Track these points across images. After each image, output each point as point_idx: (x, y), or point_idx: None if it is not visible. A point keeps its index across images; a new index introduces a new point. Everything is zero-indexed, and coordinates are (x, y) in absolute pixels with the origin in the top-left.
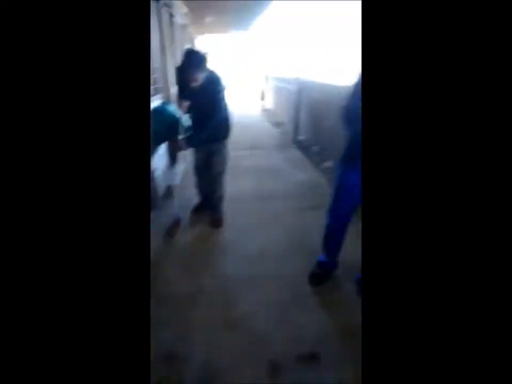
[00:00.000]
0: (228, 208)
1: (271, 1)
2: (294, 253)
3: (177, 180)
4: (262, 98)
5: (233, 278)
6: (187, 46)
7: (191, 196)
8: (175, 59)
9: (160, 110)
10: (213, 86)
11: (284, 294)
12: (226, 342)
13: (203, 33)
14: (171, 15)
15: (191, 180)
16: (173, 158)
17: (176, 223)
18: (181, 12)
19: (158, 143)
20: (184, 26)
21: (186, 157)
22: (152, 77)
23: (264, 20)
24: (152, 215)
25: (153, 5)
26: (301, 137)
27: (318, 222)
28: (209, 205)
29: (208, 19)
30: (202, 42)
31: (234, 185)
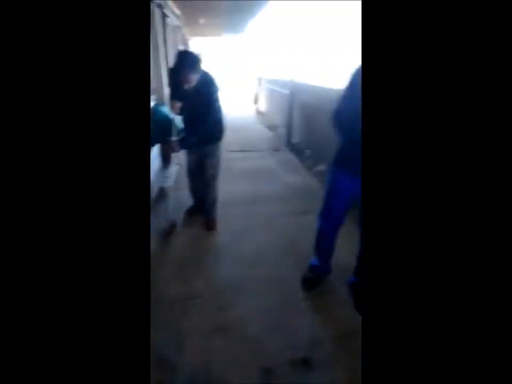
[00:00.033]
0: (221, 211)
1: (265, 3)
2: (287, 256)
3: (170, 181)
4: (256, 101)
5: (226, 282)
6: (180, 47)
7: (185, 198)
8: (167, 60)
9: (153, 111)
10: (207, 88)
11: (277, 298)
12: (218, 347)
13: (197, 35)
14: (163, 16)
15: (185, 182)
16: (165, 159)
17: (172, 226)
18: (174, 14)
19: (151, 144)
20: (177, 28)
21: (179, 158)
22: None
23: (257, 23)
24: None
25: None
26: (294, 140)
27: (310, 225)
28: (202, 208)
29: (201, 21)
30: (196, 44)
31: (228, 188)
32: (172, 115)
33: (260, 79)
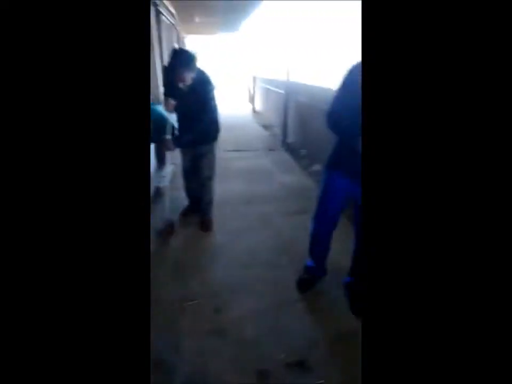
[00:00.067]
0: (217, 211)
1: (260, 2)
2: (282, 256)
3: (166, 181)
4: (251, 100)
5: (221, 283)
6: (175, 45)
7: (180, 198)
8: (162, 59)
9: None
10: (203, 87)
11: (272, 299)
12: (215, 349)
13: (192, 33)
14: (158, 14)
15: (180, 182)
16: (161, 159)
17: (170, 226)
18: (168, 12)
19: None
20: (172, 26)
21: (174, 158)
22: None
23: (252, 21)
24: None
25: None
26: (290, 140)
27: (306, 225)
28: (198, 208)
29: (196, 19)
30: (191, 43)
31: (223, 188)
32: (166, 114)
33: (255, 78)
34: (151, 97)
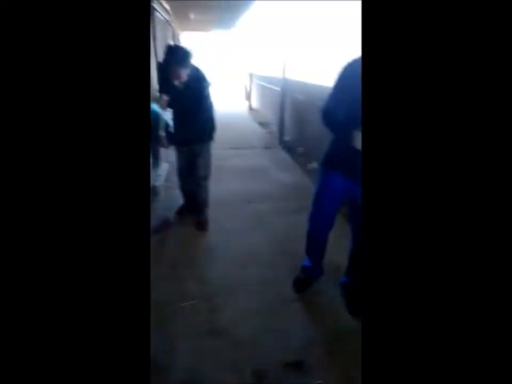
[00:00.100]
0: (213, 210)
1: (252, 2)
2: (279, 256)
3: (160, 180)
4: (247, 98)
5: (217, 283)
6: (170, 42)
7: (175, 197)
8: (156, 56)
9: None
10: (197, 83)
11: (269, 299)
12: (211, 350)
13: (187, 30)
14: (151, 10)
15: (175, 180)
16: (155, 157)
17: (166, 224)
18: (163, 8)
19: None
20: (166, 23)
21: (169, 156)
22: None
23: (248, 19)
24: None
25: None
26: (287, 138)
27: (303, 224)
28: (194, 207)
29: (191, 16)
30: (186, 39)
31: (219, 187)
32: (159, 111)
33: (251, 75)
34: None
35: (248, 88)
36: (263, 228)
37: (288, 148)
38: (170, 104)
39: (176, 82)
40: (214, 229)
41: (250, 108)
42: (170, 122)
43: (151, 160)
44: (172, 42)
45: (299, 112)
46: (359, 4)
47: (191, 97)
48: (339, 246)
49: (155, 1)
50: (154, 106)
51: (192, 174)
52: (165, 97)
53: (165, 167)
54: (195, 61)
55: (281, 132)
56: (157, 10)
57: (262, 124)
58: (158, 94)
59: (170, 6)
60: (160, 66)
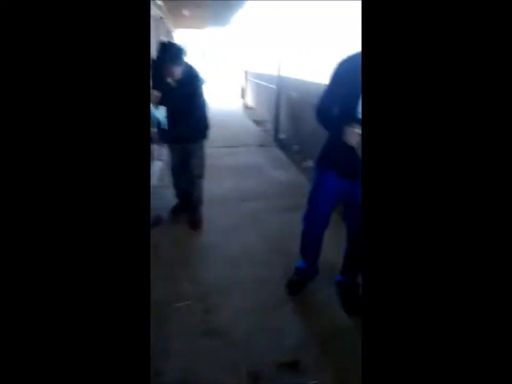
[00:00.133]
0: (207, 209)
1: (243, 2)
2: (274, 254)
3: (154, 179)
4: (242, 96)
5: (212, 283)
6: (163, 39)
7: (169, 195)
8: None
9: None
10: (191, 82)
11: (264, 299)
12: (205, 350)
13: (181, 27)
14: None
15: (168, 179)
16: None
17: (158, 220)
18: (155, 4)
19: None
20: (159, 19)
21: (162, 154)
22: None
23: (243, 16)
24: None
25: None
26: (282, 136)
27: (298, 222)
28: (188, 206)
29: (185, 12)
30: (180, 37)
31: (214, 185)
32: (152, 108)
33: (246, 73)
34: None
35: (244, 86)
36: (258, 226)
37: (283, 145)
38: (163, 102)
39: (169, 80)
40: (208, 227)
41: (245, 106)
42: (164, 120)
43: None
44: (165, 39)
45: (294, 109)
46: (352, 3)
47: (184, 95)
48: (334, 244)
49: None
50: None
51: (186, 173)
52: (156, 93)
53: (158, 165)
54: (189, 58)
55: (276, 130)
56: None
57: (257, 122)
58: (151, 91)
59: (164, 3)
60: (153, 64)
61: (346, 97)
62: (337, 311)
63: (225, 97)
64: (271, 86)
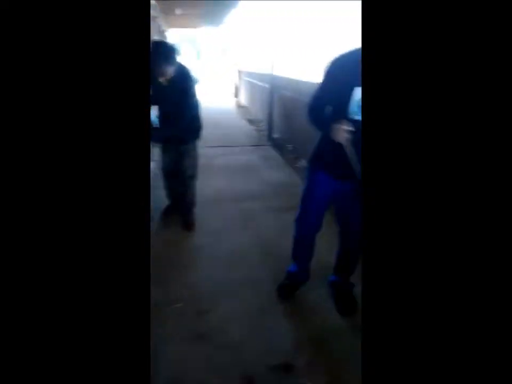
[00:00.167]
0: (200, 210)
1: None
2: (267, 256)
3: None
4: (236, 95)
5: (205, 285)
6: (156, 38)
7: (161, 197)
8: None
9: None
10: (183, 81)
11: (257, 301)
12: (198, 354)
13: (174, 26)
14: None
15: (160, 180)
16: None
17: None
18: None
19: None
20: (152, 18)
21: (153, 155)
22: None
23: (236, 15)
24: None
25: None
26: (276, 135)
27: (292, 223)
28: (180, 208)
29: (177, 11)
30: (173, 36)
31: (207, 186)
32: None
33: (240, 72)
34: None
35: (237, 85)
36: (251, 227)
37: (277, 145)
38: (154, 101)
39: (161, 79)
40: (201, 229)
41: (239, 105)
42: (155, 119)
43: None
44: (157, 38)
45: (288, 109)
46: (344, 3)
47: (176, 95)
48: (328, 245)
49: None
50: None
51: (179, 173)
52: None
53: (150, 165)
54: (182, 57)
55: (270, 129)
56: None
57: (250, 121)
58: None
59: (156, 1)
60: None
61: (338, 95)
62: (330, 312)
63: (219, 96)
64: (264, 85)
